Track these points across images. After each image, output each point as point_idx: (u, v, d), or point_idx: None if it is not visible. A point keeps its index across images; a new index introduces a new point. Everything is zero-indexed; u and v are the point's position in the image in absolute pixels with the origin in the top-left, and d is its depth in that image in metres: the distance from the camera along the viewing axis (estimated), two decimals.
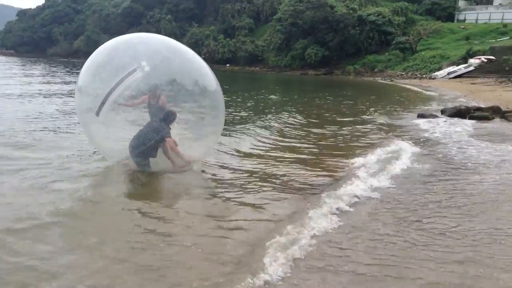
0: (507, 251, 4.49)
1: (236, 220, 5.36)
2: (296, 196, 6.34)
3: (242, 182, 6.95)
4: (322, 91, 32.60)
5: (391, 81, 50.86)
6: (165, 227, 5.10)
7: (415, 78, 52.03)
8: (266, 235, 4.82)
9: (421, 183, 6.93)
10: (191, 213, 5.53)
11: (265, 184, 6.87)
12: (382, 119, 15.57)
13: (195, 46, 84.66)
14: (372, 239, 4.78)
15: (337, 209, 5.65)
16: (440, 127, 13.03)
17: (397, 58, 63.16)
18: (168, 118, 6.92)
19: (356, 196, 6.14)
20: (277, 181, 7.08)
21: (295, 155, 9.04)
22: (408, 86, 38.40)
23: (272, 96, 25.69)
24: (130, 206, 5.70)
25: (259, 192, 6.49)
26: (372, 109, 19.11)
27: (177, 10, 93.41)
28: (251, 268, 4.06)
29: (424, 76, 51.69)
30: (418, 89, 35.38)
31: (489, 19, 65.33)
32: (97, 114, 6.76)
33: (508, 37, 53.90)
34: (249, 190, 6.56)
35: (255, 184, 6.86)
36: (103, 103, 6.68)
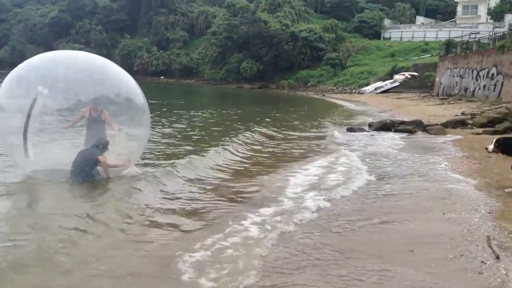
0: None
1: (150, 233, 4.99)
2: (221, 209, 6.00)
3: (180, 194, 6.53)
4: (259, 105, 32.83)
5: (323, 95, 52.36)
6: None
7: (345, 92, 54.00)
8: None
9: (357, 196, 6.86)
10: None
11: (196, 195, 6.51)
12: (313, 133, 15.74)
13: (128, 57, 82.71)
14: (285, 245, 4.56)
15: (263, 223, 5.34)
16: (366, 140, 13.37)
17: (328, 73, 65.36)
18: (101, 145, 6.98)
19: (283, 210, 5.92)
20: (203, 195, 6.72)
21: (229, 168, 8.74)
22: (339, 101, 39.64)
23: (209, 111, 25.35)
24: None
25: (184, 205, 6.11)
26: (306, 123, 19.34)
27: (108, 21, 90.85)
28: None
29: (353, 91, 53.77)
30: (348, 104, 36.60)
31: (412, 38, 69.48)
32: (27, 155, 6.75)
33: (430, 55, 57.50)
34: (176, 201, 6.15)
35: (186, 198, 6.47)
36: (25, 143, 6.66)
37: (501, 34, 31.94)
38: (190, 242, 4.62)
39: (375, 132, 15.49)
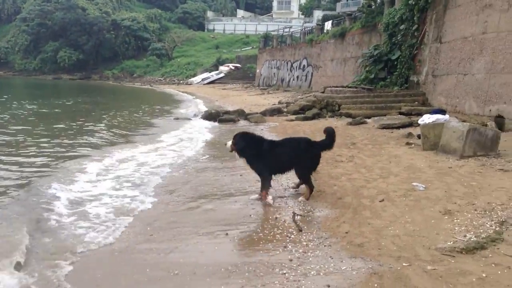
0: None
1: None
2: None
3: None
4: (79, 97, 30.37)
5: (151, 86, 51.34)
6: None
7: (173, 83, 53.87)
8: None
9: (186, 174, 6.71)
10: None
11: None
12: (141, 123, 15.25)
13: None
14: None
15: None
16: (191, 129, 13.47)
17: (155, 64, 64.35)
18: None
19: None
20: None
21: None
22: (167, 91, 39.33)
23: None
24: None
25: None
26: (134, 114, 18.59)
27: None
28: None
29: (181, 81, 53.98)
30: (176, 94, 36.53)
31: (235, 30, 72.73)
32: None
33: (251, 47, 60.96)
34: None
35: None
36: None
37: (310, 28, 35.40)
38: None
39: (201, 120, 15.70)
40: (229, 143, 5.38)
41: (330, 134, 5.49)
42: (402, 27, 15.87)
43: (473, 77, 11.71)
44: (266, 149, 5.31)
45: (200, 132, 12.86)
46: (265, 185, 5.28)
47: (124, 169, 7.47)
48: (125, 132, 13.11)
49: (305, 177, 5.37)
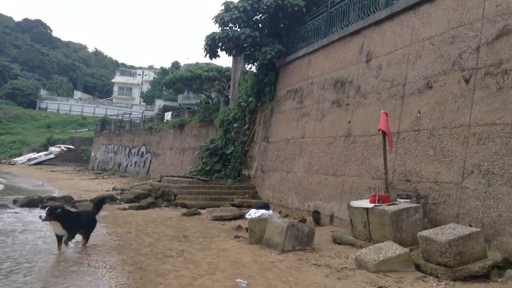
0: None
1: None
2: None
3: None
4: None
5: None
6: None
7: None
8: None
9: None
10: None
11: None
12: None
13: None
14: None
15: None
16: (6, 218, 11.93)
17: None
18: None
19: None
20: None
21: None
22: None
23: None
24: None
25: None
26: None
27: None
28: None
29: (3, 161, 48.44)
30: None
31: (70, 111, 69.51)
32: None
33: (87, 129, 58.56)
34: None
35: None
36: None
37: (150, 117, 35.88)
38: None
39: (20, 208, 14.05)
40: (43, 215, 7.39)
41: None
42: (235, 125, 17.20)
43: (294, 175, 13.05)
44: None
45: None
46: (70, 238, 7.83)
47: None
48: None
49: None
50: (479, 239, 5.93)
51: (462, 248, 5.75)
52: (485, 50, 7.36)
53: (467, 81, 7.59)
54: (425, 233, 6.15)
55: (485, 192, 6.79)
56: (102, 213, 13.41)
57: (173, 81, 27.50)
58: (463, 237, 5.80)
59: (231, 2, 15.52)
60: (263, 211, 8.53)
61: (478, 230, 6.14)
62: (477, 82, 7.38)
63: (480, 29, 7.55)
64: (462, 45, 7.85)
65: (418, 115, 8.62)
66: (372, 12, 10.94)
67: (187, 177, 17.13)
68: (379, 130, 8.13)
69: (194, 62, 45.06)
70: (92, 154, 41.23)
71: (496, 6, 7.32)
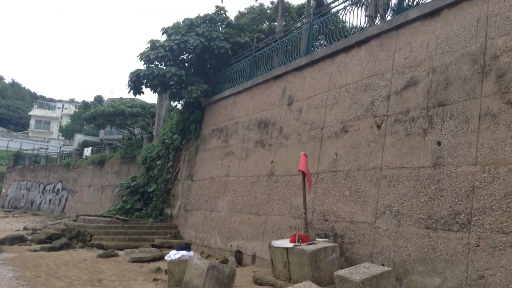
0: None
1: None
2: None
3: None
4: None
5: None
6: None
7: None
8: None
9: None
10: None
11: None
12: None
13: None
14: None
15: None
16: None
17: None
18: None
19: None
20: None
21: None
22: None
23: None
24: None
25: None
26: None
27: None
28: None
29: None
30: None
31: None
32: None
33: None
34: None
35: None
36: None
37: (68, 152, 34.19)
38: None
39: None
40: None
41: None
42: (158, 162, 16.88)
43: (218, 214, 12.97)
44: None
45: None
46: None
47: None
48: None
49: None
50: (390, 278, 6.21)
51: (375, 287, 5.98)
52: (394, 99, 7.97)
53: (379, 126, 8.13)
54: (341, 272, 6.33)
55: (396, 232, 7.19)
56: (9, 255, 12.41)
57: (94, 116, 26.59)
58: (376, 276, 6.04)
59: (157, 41, 15.55)
60: (183, 252, 8.34)
61: (390, 269, 6.44)
62: (387, 128, 7.93)
63: (390, 79, 8.19)
64: (374, 93, 8.45)
65: (335, 157, 9.03)
66: (294, 59, 11.49)
67: (105, 216, 16.36)
68: (299, 170, 8.39)
69: (119, 97, 44.12)
70: (3, 190, 38.22)
71: (405, 59, 8.01)
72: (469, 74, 6.70)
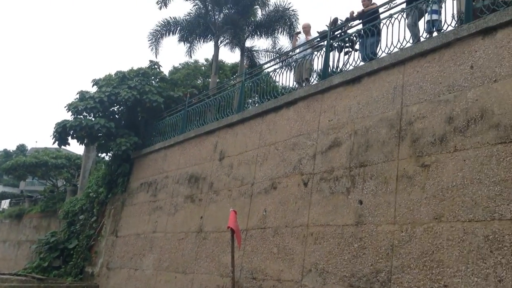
0: None
1: None
2: None
3: None
4: None
5: None
6: None
7: None
8: None
9: None
10: None
11: None
12: None
13: None
14: None
15: None
16: None
17: None
18: None
19: None
20: None
21: None
22: None
23: None
24: None
25: None
26: None
27: None
28: None
29: None
30: None
31: None
32: None
33: None
34: None
35: None
36: None
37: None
38: None
39: None
40: None
41: None
42: (81, 217, 16.02)
43: (143, 273, 12.37)
44: None
45: None
46: None
47: None
48: None
49: None
50: None
51: None
52: (320, 158, 8.28)
53: (305, 184, 8.36)
54: None
55: None
56: None
57: (14, 167, 24.97)
58: None
59: (87, 92, 15.21)
60: None
61: None
62: (313, 186, 8.18)
63: (316, 139, 8.55)
64: (302, 151, 8.75)
65: (264, 213, 9.09)
66: (226, 115, 11.70)
67: (19, 275, 15.06)
68: (228, 227, 8.31)
69: (43, 146, 41.96)
70: None
71: (329, 120, 8.43)
72: (387, 137, 7.17)
